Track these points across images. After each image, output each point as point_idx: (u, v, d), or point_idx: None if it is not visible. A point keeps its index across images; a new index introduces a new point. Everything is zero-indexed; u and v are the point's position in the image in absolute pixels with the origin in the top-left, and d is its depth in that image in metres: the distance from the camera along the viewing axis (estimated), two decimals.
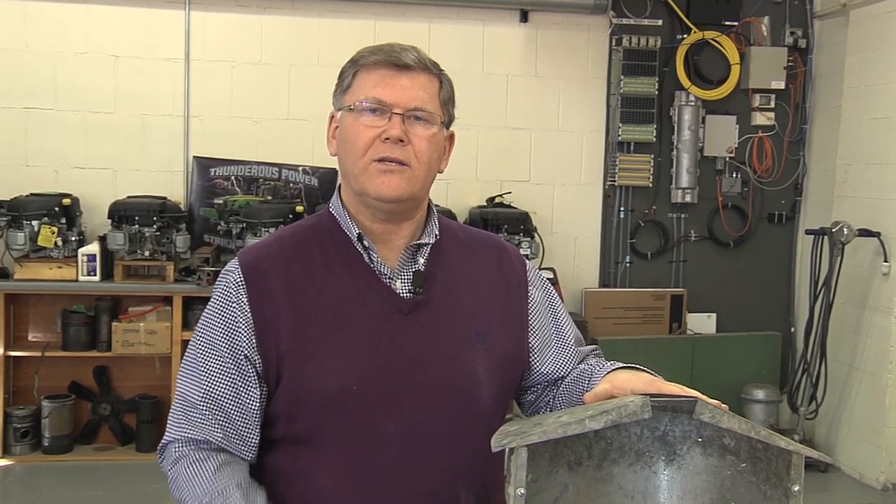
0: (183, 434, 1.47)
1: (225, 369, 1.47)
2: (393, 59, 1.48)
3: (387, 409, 1.45)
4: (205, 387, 1.47)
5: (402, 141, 1.46)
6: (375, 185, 1.48)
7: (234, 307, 1.48)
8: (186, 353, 1.53)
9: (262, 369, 1.47)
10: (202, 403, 1.46)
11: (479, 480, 1.52)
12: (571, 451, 1.30)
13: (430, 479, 1.46)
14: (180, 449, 1.47)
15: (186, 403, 1.48)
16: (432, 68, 1.52)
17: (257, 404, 1.48)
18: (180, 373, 1.52)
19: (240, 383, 1.47)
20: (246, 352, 1.47)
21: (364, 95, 1.48)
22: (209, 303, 1.53)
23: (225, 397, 1.46)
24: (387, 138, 1.46)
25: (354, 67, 1.52)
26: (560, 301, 1.72)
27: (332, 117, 1.58)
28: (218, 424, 1.46)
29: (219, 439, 1.47)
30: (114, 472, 4.73)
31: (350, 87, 1.52)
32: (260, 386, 1.48)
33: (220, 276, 1.54)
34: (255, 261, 1.52)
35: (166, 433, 1.50)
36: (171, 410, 1.51)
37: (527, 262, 1.70)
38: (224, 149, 5.26)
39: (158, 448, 1.52)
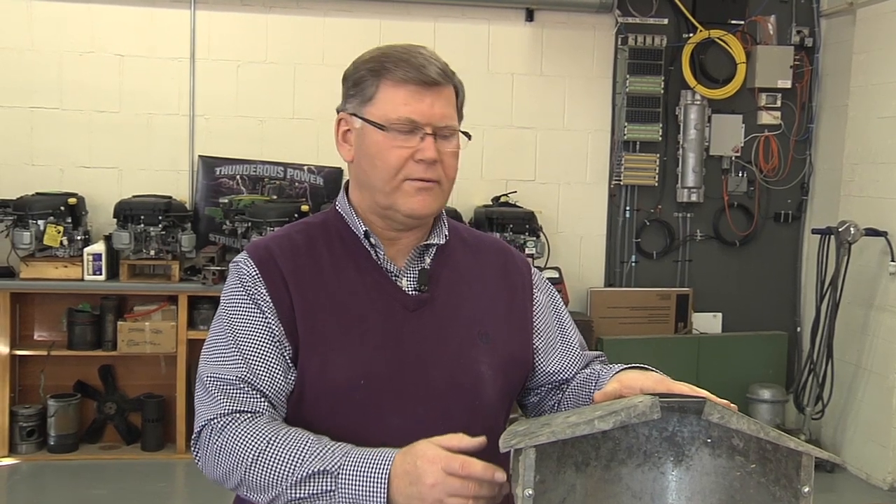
0: (224, 409, 1.42)
1: (265, 352, 1.45)
2: (422, 77, 1.46)
3: (391, 405, 1.46)
4: (243, 369, 1.43)
5: (435, 161, 1.47)
6: (410, 203, 1.48)
7: (258, 299, 1.47)
8: (214, 339, 1.49)
9: (292, 356, 1.46)
10: (240, 383, 1.43)
11: None
12: (579, 452, 1.29)
13: None
14: (225, 418, 1.41)
15: (221, 383, 1.43)
16: (451, 78, 1.51)
17: (292, 387, 1.47)
18: (207, 359, 1.48)
19: (277, 367, 1.45)
20: (279, 338, 1.46)
21: (395, 115, 1.45)
22: (228, 294, 1.51)
23: (262, 380, 1.44)
24: (421, 159, 1.45)
25: (377, 78, 1.48)
26: (564, 305, 1.72)
27: (340, 120, 1.55)
28: (261, 400, 1.44)
29: (265, 408, 1.44)
30: (119, 471, 4.73)
31: (373, 99, 1.48)
32: (293, 371, 1.47)
33: (234, 269, 1.52)
34: (265, 252, 1.52)
35: (201, 416, 1.44)
36: (202, 395, 1.45)
37: (531, 266, 1.71)
38: (229, 148, 5.26)
39: (193, 436, 1.45)
